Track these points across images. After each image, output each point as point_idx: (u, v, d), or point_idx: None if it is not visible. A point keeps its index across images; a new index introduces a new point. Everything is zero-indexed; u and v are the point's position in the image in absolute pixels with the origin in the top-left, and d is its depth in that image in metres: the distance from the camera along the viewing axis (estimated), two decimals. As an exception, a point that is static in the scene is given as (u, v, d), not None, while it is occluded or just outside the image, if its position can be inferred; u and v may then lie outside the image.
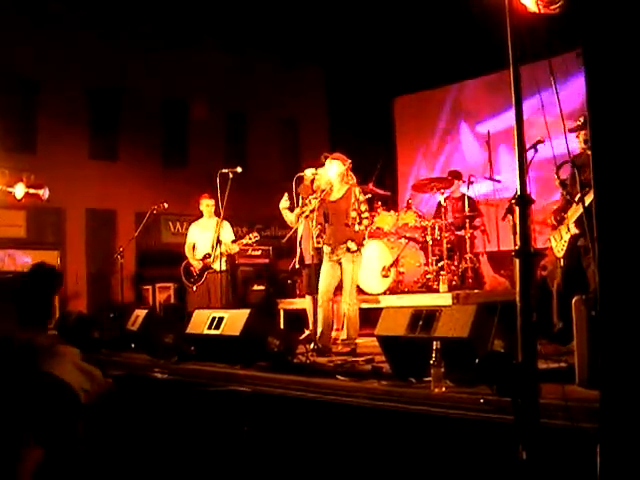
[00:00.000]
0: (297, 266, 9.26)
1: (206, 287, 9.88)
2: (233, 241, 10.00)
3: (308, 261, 8.59)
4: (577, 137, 6.20)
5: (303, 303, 9.33)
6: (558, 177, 4.04)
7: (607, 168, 3.23)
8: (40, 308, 4.21)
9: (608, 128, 3.23)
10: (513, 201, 3.61)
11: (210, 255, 9.65)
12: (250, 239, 9.80)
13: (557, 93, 4.03)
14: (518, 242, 3.53)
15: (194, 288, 9.85)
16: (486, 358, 3.97)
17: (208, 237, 9.85)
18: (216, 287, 9.69)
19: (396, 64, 14.33)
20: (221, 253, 9.40)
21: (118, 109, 15.51)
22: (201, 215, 10.33)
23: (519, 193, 3.53)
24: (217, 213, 9.78)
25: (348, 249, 7.45)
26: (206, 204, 10.04)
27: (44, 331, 4.29)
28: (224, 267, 9.70)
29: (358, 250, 7.53)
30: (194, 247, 10.19)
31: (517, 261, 3.51)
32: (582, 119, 6.04)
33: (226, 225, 9.96)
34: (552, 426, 3.76)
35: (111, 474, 4.81)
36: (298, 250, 9.07)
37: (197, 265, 9.94)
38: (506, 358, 3.87)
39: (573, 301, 4.42)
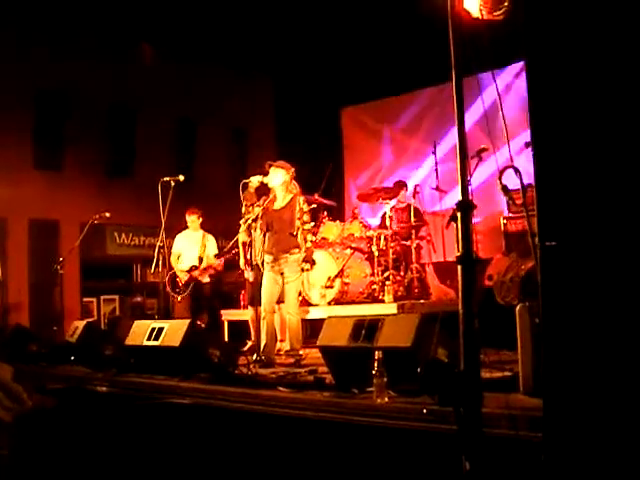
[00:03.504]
0: (248, 277, 9.04)
1: (189, 298, 10.04)
2: (216, 255, 10.26)
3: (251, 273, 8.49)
4: None
5: (246, 314, 9.22)
6: (500, 182, 3.98)
7: (549, 174, 3.19)
8: None
9: (549, 134, 3.20)
10: (455, 207, 3.57)
11: (197, 267, 10.05)
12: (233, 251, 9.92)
13: (500, 102, 4.00)
14: (460, 249, 3.48)
15: (179, 298, 9.92)
16: (428, 367, 3.91)
17: (193, 249, 10.16)
18: (200, 298, 10.16)
19: (344, 75, 14.33)
20: (206, 267, 10.04)
21: (63, 118, 15.24)
22: (186, 227, 10.45)
23: (461, 198, 3.49)
24: (202, 226, 10.37)
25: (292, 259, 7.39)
26: (191, 220, 10.23)
27: None
28: (207, 279, 10.20)
29: (308, 263, 7.49)
30: (179, 258, 10.35)
31: (459, 267, 3.46)
32: None
33: (211, 239, 10.34)
34: (495, 436, 3.70)
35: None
36: (244, 260, 8.90)
37: (183, 277, 10.06)
38: (448, 367, 3.81)
39: (517, 309, 4.39)
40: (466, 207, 3.48)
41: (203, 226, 10.39)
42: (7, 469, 3.71)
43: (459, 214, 3.50)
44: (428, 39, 9.25)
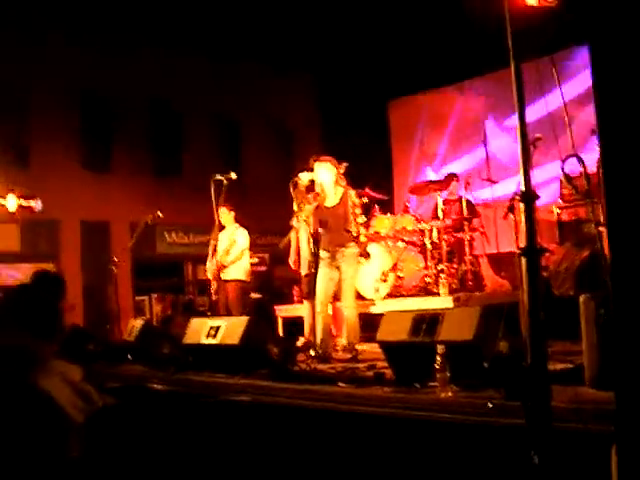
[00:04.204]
0: (300, 270, 9.02)
1: (222, 295, 9.90)
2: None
3: (305, 268, 8.44)
4: None
5: (300, 309, 9.21)
6: (563, 171, 3.89)
7: (616, 162, 3.12)
8: (47, 318, 3.99)
9: (617, 123, 3.12)
10: (517, 197, 3.50)
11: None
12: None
13: (560, 87, 3.93)
14: (522, 240, 3.42)
15: (214, 297, 9.81)
16: (495, 361, 3.86)
17: (223, 245, 9.94)
18: (229, 296, 9.98)
19: (389, 67, 14.25)
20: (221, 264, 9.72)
21: (110, 120, 15.45)
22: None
23: (524, 189, 3.41)
24: (240, 222, 10.22)
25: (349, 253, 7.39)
26: (220, 214, 9.66)
27: (51, 343, 4.03)
28: (239, 276, 10.01)
29: (364, 256, 7.49)
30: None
31: (523, 259, 3.39)
32: None
33: (236, 234, 10.09)
34: (563, 429, 3.64)
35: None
36: (295, 256, 8.90)
37: (210, 275, 9.79)
38: (514, 360, 3.75)
39: (581, 299, 4.30)
40: (530, 197, 3.40)
41: (242, 222, 10.22)
42: (79, 471, 3.74)
43: (522, 205, 3.43)
44: (476, 27, 9.15)
